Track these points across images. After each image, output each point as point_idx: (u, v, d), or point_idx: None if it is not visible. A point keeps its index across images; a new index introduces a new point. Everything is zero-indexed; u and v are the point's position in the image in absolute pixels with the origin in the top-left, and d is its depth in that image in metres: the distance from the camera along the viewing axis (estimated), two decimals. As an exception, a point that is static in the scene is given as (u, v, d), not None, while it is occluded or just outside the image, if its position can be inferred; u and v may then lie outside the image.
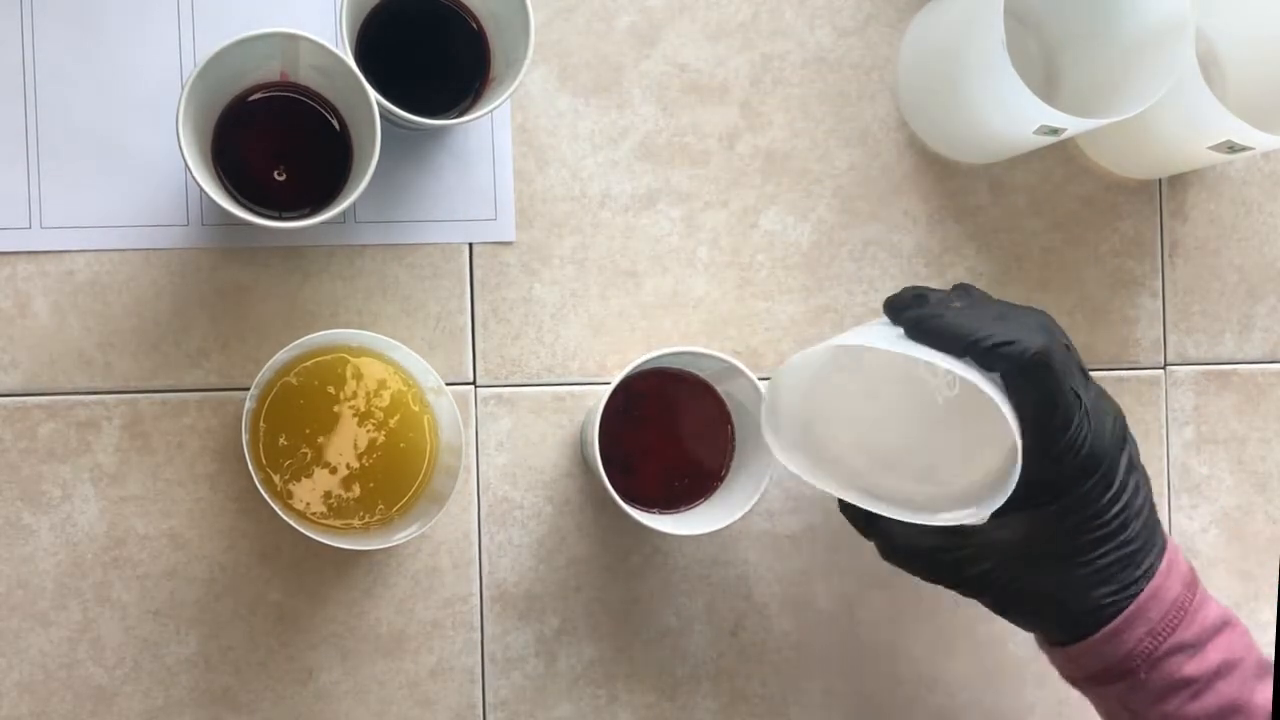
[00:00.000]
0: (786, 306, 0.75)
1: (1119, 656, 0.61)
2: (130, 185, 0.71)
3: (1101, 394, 0.62)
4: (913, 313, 0.60)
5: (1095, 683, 0.63)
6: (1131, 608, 0.60)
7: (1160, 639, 0.60)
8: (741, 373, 0.67)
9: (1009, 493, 0.57)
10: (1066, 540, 0.60)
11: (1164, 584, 0.61)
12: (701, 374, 0.70)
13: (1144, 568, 0.61)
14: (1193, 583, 0.62)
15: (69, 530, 0.70)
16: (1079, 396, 0.58)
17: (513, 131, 0.73)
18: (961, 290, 0.64)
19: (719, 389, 0.70)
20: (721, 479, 0.70)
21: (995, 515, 0.58)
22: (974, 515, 0.59)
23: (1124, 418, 0.62)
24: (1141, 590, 0.60)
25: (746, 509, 0.67)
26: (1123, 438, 0.61)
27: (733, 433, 0.70)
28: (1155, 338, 0.77)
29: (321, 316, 0.72)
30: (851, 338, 0.61)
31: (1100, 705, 0.64)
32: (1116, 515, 0.60)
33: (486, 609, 0.73)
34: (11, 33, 0.70)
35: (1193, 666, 0.60)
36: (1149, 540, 0.61)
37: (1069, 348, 0.60)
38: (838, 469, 0.65)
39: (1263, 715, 0.60)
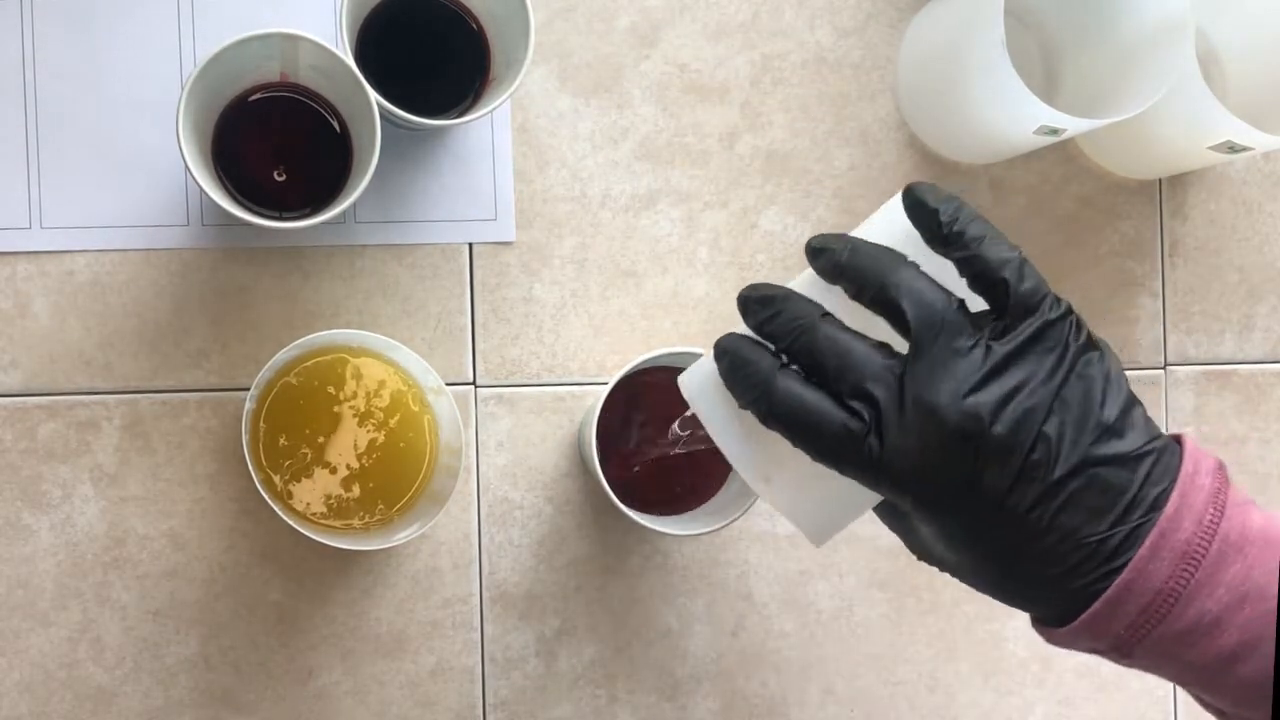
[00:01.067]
0: (786, 306, 0.74)
1: (1103, 647, 0.53)
2: (130, 185, 0.71)
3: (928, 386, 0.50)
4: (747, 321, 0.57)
5: (1098, 655, 0.55)
6: (1096, 606, 0.52)
7: (1142, 632, 0.52)
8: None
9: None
10: (960, 548, 0.53)
11: (1144, 571, 0.51)
12: (701, 374, 0.70)
13: (1095, 562, 0.51)
14: (1189, 556, 0.51)
15: (69, 530, 0.70)
16: (864, 418, 0.51)
17: (513, 131, 0.73)
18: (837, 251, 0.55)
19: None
20: (720, 479, 0.70)
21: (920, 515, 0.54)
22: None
23: (988, 417, 0.50)
24: (1105, 588, 0.51)
25: (746, 509, 0.67)
26: (962, 437, 0.50)
27: (733, 433, 0.70)
28: (1155, 338, 0.77)
29: (321, 316, 0.72)
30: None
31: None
32: (986, 520, 0.51)
33: (486, 609, 0.73)
34: (11, 33, 0.70)
35: (1195, 654, 0.52)
36: (1080, 529, 0.51)
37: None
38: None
39: None
